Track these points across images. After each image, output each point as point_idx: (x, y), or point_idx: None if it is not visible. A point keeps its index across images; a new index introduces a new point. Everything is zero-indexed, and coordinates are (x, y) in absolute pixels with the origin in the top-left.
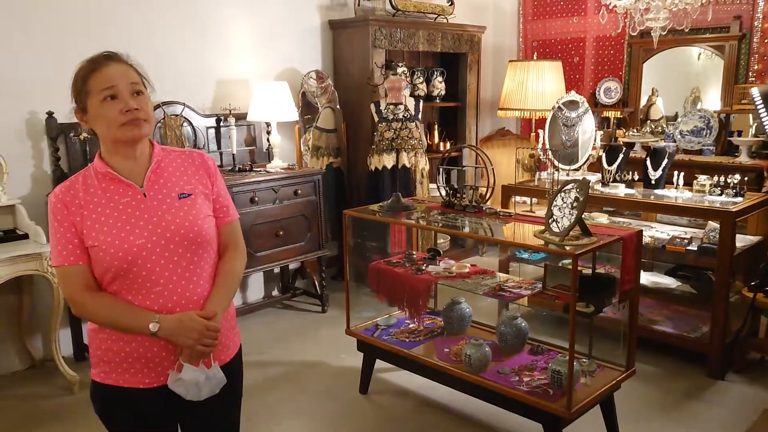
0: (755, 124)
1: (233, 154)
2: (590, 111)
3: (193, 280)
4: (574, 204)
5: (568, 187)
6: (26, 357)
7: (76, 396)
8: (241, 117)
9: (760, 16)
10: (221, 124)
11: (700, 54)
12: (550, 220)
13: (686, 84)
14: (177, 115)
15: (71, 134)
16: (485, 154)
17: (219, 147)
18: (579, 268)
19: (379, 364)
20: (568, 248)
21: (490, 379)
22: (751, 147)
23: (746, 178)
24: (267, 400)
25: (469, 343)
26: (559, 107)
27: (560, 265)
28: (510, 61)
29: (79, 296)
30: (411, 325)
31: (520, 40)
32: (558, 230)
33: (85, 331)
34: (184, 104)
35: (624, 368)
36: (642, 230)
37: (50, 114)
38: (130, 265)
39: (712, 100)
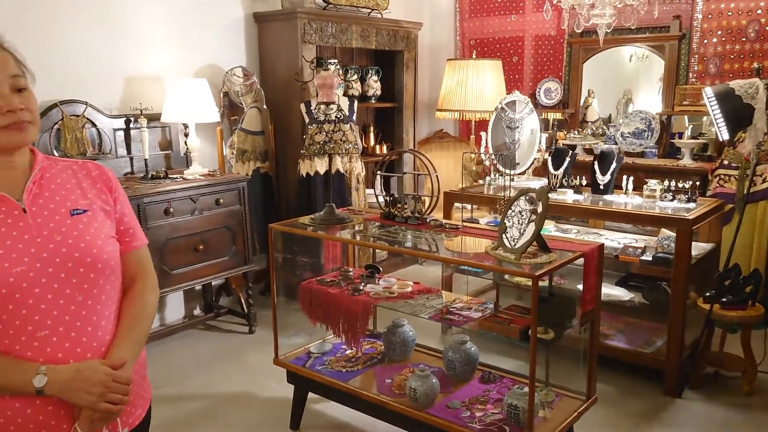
0: (691, 126)
1: (145, 160)
2: (534, 112)
3: (92, 320)
4: (532, 217)
5: (524, 196)
6: None
7: None
8: (154, 118)
9: (700, 16)
10: (131, 125)
11: (632, 55)
12: (503, 235)
13: (618, 86)
14: (78, 116)
15: None
16: (429, 160)
17: (129, 151)
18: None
19: (314, 393)
20: (526, 268)
21: (438, 416)
22: (693, 149)
23: (690, 182)
24: None
25: (413, 375)
26: (502, 108)
27: (516, 283)
28: (448, 59)
29: None
30: (348, 352)
31: (458, 38)
32: (512, 246)
33: None
34: (86, 103)
35: (585, 397)
36: (603, 244)
37: None
38: (4, 301)
39: (644, 102)
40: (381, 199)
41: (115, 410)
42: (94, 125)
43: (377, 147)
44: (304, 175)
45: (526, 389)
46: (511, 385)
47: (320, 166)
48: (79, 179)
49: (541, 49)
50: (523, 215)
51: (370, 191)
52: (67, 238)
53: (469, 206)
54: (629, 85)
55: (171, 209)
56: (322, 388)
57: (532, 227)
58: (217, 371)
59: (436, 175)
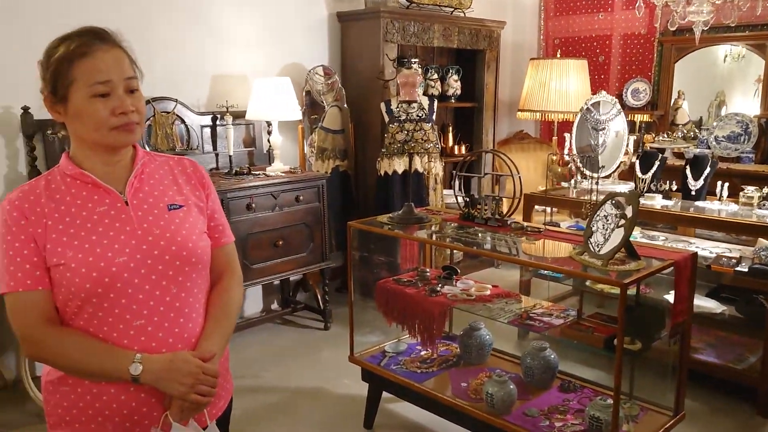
0: None
1: (230, 156)
2: (622, 113)
3: (185, 312)
4: (620, 222)
5: (612, 200)
6: None
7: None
8: (239, 115)
9: None
10: (217, 122)
11: (726, 55)
12: (589, 240)
13: (711, 87)
14: (168, 112)
15: (48, 132)
16: (511, 161)
17: (215, 148)
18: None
19: (388, 393)
20: (613, 275)
21: (516, 423)
22: None
23: None
24: None
25: (491, 380)
26: (587, 109)
27: (599, 290)
28: (531, 59)
29: (38, 332)
30: (423, 353)
31: (541, 37)
32: (599, 251)
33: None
34: (176, 100)
35: (672, 412)
36: (696, 252)
37: (26, 109)
38: (106, 289)
39: (739, 105)
40: (460, 199)
41: (203, 401)
42: (183, 122)
43: (455, 147)
44: (383, 174)
45: (610, 401)
46: (593, 395)
47: (399, 165)
48: (176, 175)
49: (630, 48)
50: (609, 220)
51: (447, 191)
52: (165, 232)
53: (548, 209)
54: (722, 87)
55: (253, 205)
56: (397, 388)
57: (619, 233)
58: (293, 365)
59: (519, 177)
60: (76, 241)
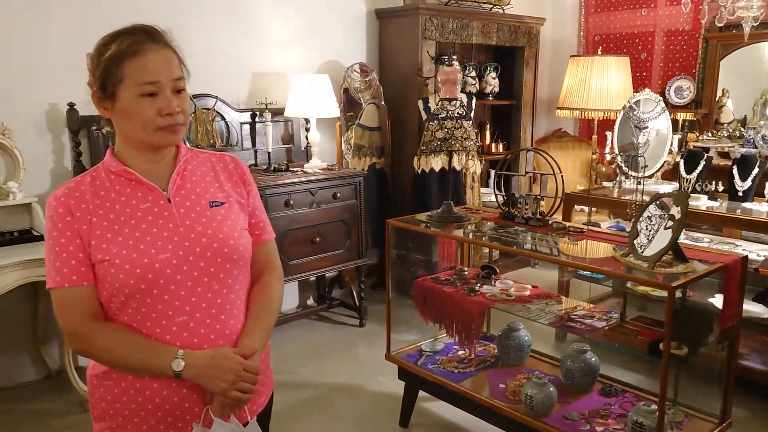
0: None
1: (269, 153)
2: (666, 112)
3: (226, 308)
4: (668, 223)
5: (660, 201)
6: (42, 367)
7: (89, 414)
8: (278, 112)
9: None
10: (256, 119)
11: None
12: (634, 241)
13: (756, 85)
14: (209, 109)
15: (93, 128)
16: (554, 159)
17: (254, 144)
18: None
19: (424, 392)
20: (659, 277)
21: (556, 426)
22: None
23: None
24: (296, 429)
25: (530, 381)
26: (630, 107)
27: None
28: (571, 56)
29: (83, 327)
30: (460, 353)
31: (581, 33)
32: (644, 253)
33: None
34: (217, 97)
35: (718, 420)
36: (747, 256)
37: (71, 105)
38: (149, 286)
39: None
40: (500, 198)
41: (244, 398)
42: (223, 118)
43: (493, 145)
44: (420, 172)
45: (654, 407)
46: (635, 400)
47: (436, 163)
48: (217, 172)
49: (673, 44)
50: (652, 221)
51: (484, 190)
52: (207, 228)
53: (586, 209)
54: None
55: (291, 201)
56: (434, 387)
57: (665, 234)
58: (329, 362)
59: (561, 176)
60: (120, 237)
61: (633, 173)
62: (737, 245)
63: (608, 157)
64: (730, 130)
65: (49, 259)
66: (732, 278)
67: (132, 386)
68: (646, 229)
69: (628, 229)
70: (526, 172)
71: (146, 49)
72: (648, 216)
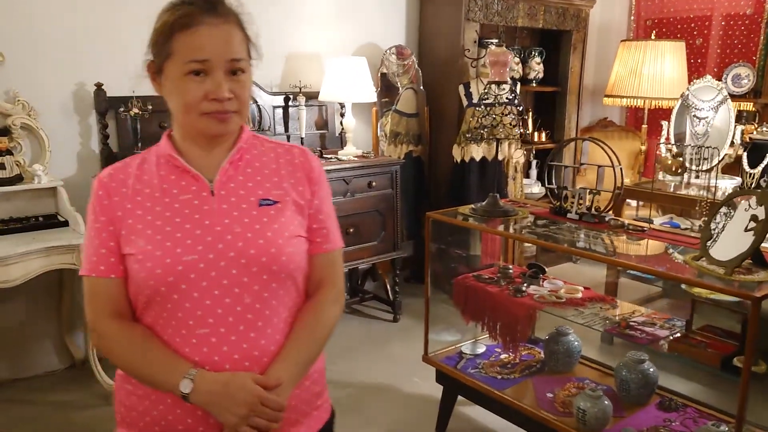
0: None
1: (302, 138)
2: (729, 101)
3: (257, 326)
4: (750, 225)
5: (742, 200)
6: (66, 356)
7: (112, 408)
8: (312, 96)
9: None
10: (290, 103)
11: None
12: (708, 243)
13: None
14: None
15: (121, 109)
16: (612, 150)
17: (286, 129)
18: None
19: (464, 397)
20: (740, 286)
21: None
22: None
23: None
24: None
25: (584, 393)
26: (689, 95)
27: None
28: (622, 41)
29: (103, 324)
30: (503, 356)
31: (632, 17)
32: (719, 257)
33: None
34: None
35: None
36: None
37: (99, 86)
38: (170, 289)
39: None
40: (553, 192)
41: None
42: (255, 102)
43: (535, 134)
44: (459, 161)
45: (724, 427)
46: (698, 417)
47: (477, 152)
48: (280, 165)
49: (732, 29)
50: (736, 223)
51: (527, 181)
52: (247, 231)
53: (633, 203)
54: None
55: None
56: (474, 394)
57: (744, 237)
58: (362, 359)
59: (620, 168)
60: (149, 230)
61: (695, 167)
62: None
63: (663, 148)
64: None
65: (85, 245)
66: None
67: (148, 397)
68: (723, 230)
69: (683, 227)
70: (581, 164)
71: (200, 23)
72: (724, 215)
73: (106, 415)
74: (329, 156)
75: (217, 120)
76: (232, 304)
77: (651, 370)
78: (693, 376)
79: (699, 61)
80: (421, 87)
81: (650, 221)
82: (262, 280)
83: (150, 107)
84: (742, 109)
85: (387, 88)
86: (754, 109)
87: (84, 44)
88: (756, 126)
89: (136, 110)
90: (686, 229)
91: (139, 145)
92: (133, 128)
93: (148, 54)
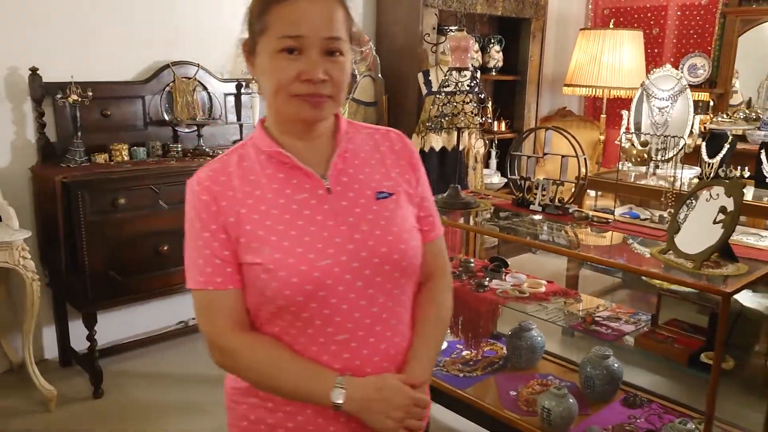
0: None
1: (254, 127)
2: (688, 90)
3: (392, 324)
4: (718, 218)
5: (708, 190)
6: (2, 360)
7: (52, 414)
8: None
9: None
10: (242, 90)
11: None
12: (674, 236)
13: (762, 66)
14: (189, 78)
15: (58, 96)
16: (576, 140)
17: (239, 118)
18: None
19: None
20: (708, 280)
21: None
22: None
23: None
24: None
25: (548, 392)
26: (649, 84)
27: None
28: (581, 29)
29: (227, 339)
30: (465, 353)
31: (590, 6)
32: (685, 250)
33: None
34: (198, 65)
35: None
36: None
37: (34, 71)
38: (308, 298)
39: None
40: (516, 183)
41: None
42: (204, 89)
43: (495, 123)
44: (418, 151)
45: (691, 425)
46: (663, 412)
47: (436, 141)
48: (383, 153)
49: (688, 20)
50: (701, 214)
51: (487, 171)
52: (374, 228)
53: (593, 193)
54: None
55: None
56: (435, 393)
57: (712, 230)
58: None
59: (585, 158)
60: (273, 236)
61: (660, 157)
62: (762, 236)
63: (623, 138)
64: (747, 112)
65: (191, 256)
66: None
67: (280, 408)
68: (691, 221)
69: (642, 217)
70: (545, 153)
71: None
72: (691, 207)
73: (45, 421)
74: None
75: (309, 104)
76: (367, 305)
77: (616, 365)
78: (658, 370)
79: (656, 50)
80: (379, 75)
81: (611, 212)
82: (393, 277)
83: (90, 93)
84: (697, 99)
85: None
86: (709, 99)
87: (16, 25)
88: (711, 116)
89: (75, 97)
90: (646, 219)
91: (79, 134)
92: (72, 116)
93: (244, 32)
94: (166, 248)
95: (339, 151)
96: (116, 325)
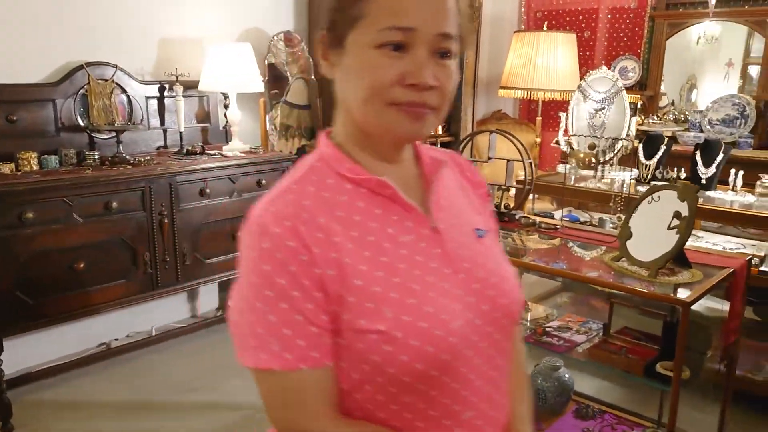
0: None
1: (180, 133)
2: (624, 92)
3: (500, 386)
4: (673, 223)
5: (660, 194)
6: None
7: None
8: (191, 86)
9: None
10: (165, 93)
11: (699, 37)
12: (627, 242)
13: (683, 70)
14: (106, 80)
15: None
16: (522, 144)
17: (162, 123)
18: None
19: None
20: (664, 288)
21: None
22: None
23: None
24: None
25: None
26: (585, 86)
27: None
28: (516, 32)
29: (322, 427)
30: None
31: (523, 9)
32: (639, 257)
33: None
34: (116, 66)
35: None
36: (750, 259)
37: None
38: (442, 371)
39: (710, 89)
40: None
41: None
42: (124, 91)
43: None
44: None
45: None
46: (616, 423)
47: None
48: (459, 180)
49: (618, 23)
50: (654, 220)
51: None
52: (489, 275)
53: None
54: (694, 70)
55: (207, 190)
56: None
57: (667, 235)
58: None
59: (530, 162)
60: (393, 292)
61: (605, 159)
62: (698, 237)
63: (562, 141)
64: (676, 114)
65: (264, 323)
66: (738, 285)
67: None
68: (643, 227)
69: (582, 220)
70: (489, 158)
71: None
72: (645, 212)
73: None
74: (212, 152)
75: (409, 116)
76: (487, 370)
77: (566, 376)
78: (609, 377)
79: (588, 53)
80: (313, 77)
81: (551, 215)
82: (506, 331)
83: None
84: (629, 101)
85: (276, 78)
86: (640, 101)
87: None
88: (643, 118)
89: None
90: (585, 222)
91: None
92: None
93: (325, 20)
94: (82, 265)
95: (438, 179)
96: (28, 350)
